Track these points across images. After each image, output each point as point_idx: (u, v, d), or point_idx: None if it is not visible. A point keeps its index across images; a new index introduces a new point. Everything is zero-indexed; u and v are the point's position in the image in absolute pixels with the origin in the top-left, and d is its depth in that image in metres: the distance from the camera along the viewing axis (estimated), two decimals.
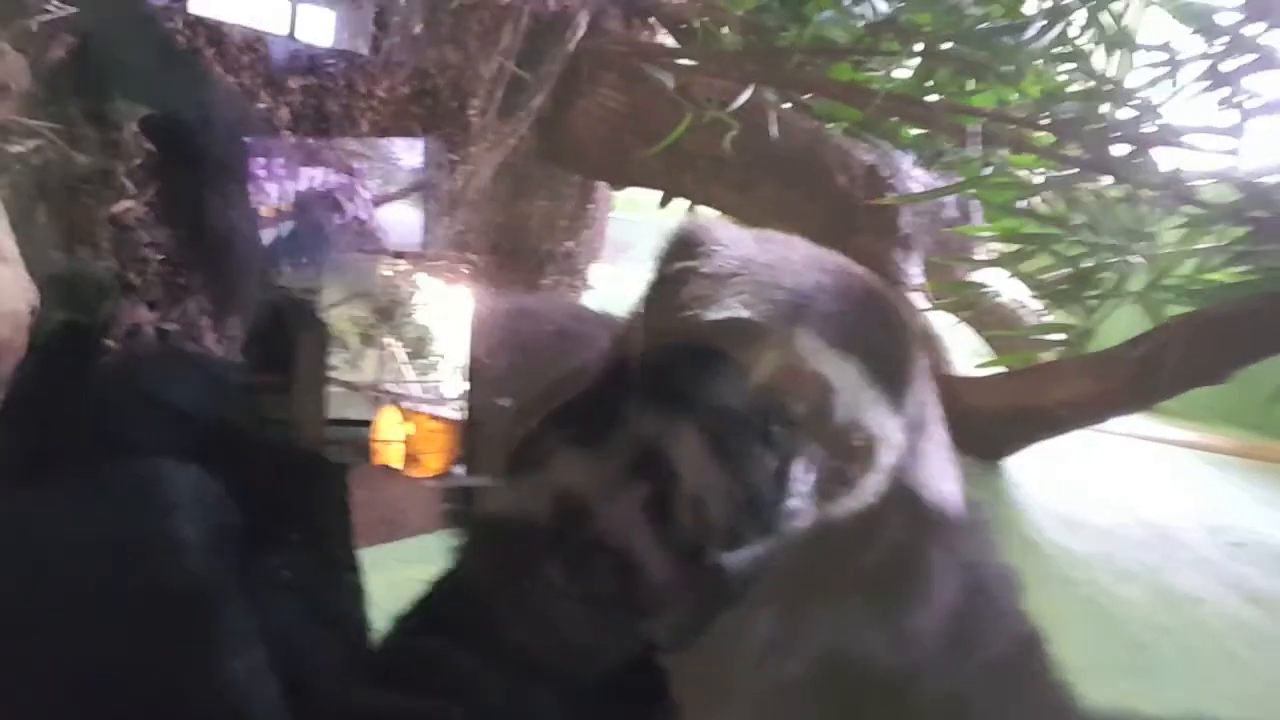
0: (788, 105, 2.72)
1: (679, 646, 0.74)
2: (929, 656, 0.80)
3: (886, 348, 0.78)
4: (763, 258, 0.79)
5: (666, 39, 2.77)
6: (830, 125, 2.73)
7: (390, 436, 2.10)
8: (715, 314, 0.74)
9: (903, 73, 2.60)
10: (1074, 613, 1.82)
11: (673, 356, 0.77)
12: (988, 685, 0.83)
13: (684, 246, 0.80)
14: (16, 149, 0.75)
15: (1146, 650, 1.71)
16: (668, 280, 0.79)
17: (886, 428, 0.76)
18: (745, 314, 0.74)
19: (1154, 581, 2.08)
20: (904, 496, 0.79)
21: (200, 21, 1.02)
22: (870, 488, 0.78)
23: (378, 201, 1.83)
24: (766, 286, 0.76)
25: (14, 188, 0.75)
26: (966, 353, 2.81)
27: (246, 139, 0.99)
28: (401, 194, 1.92)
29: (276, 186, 1.54)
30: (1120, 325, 2.44)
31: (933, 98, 2.49)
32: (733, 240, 0.81)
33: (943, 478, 0.82)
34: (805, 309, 0.75)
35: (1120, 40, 2.28)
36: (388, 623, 0.76)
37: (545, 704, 0.68)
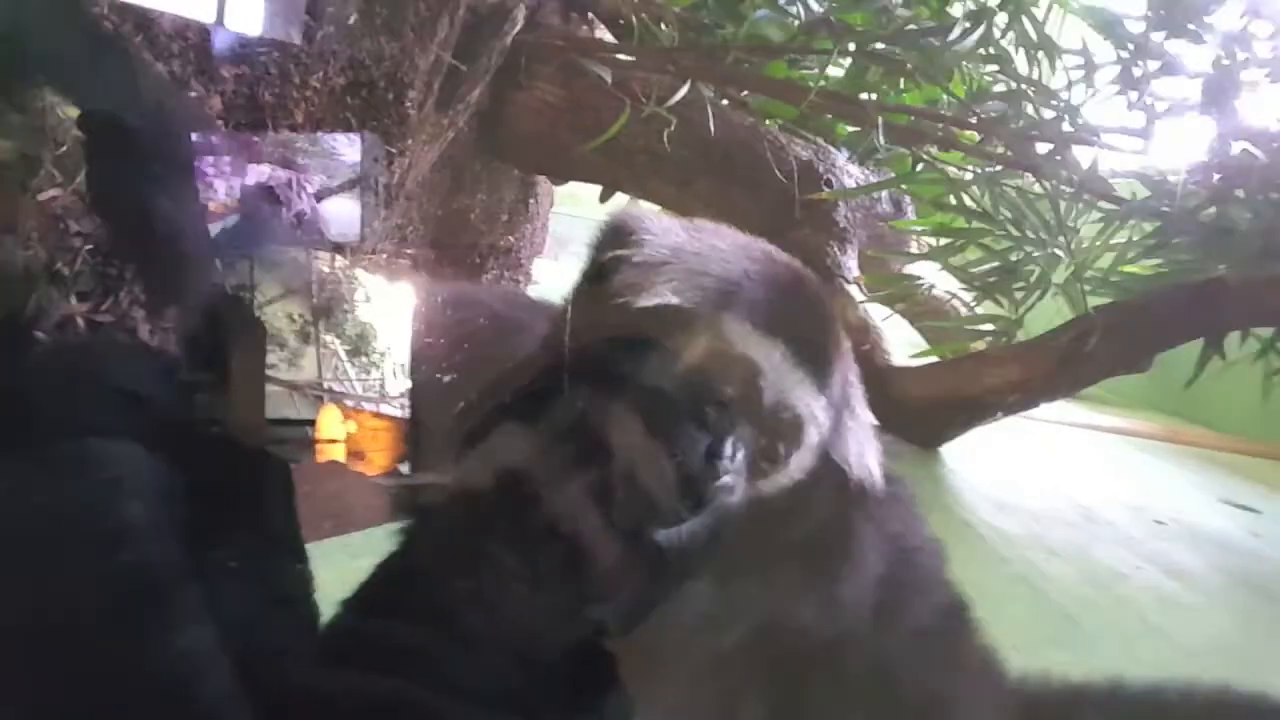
0: (725, 101, 2.75)
1: (625, 627, 0.76)
2: (858, 624, 0.84)
3: (810, 331, 0.81)
4: (692, 246, 0.81)
5: (604, 34, 2.78)
6: (767, 121, 2.77)
7: (332, 435, 2.06)
8: (646, 300, 0.76)
9: (837, 71, 2.66)
10: (1006, 590, 1.89)
11: (606, 342, 0.78)
12: (914, 653, 0.87)
13: (616, 235, 0.82)
14: None
15: (1074, 623, 1.79)
16: (600, 268, 0.81)
17: (812, 407, 0.79)
18: (675, 300, 0.76)
19: (1081, 559, 2.18)
20: (830, 472, 0.83)
21: (127, 7, 0.99)
22: (798, 464, 0.81)
23: (318, 195, 1.79)
24: (695, 274, 0.78)
25: None
26: (902, 344, 2.88)
27: (179, 130, 0.97)
28: (340, 188, 1.89)
29: (214, 180, 1.50)
30: (1045, 316, 2.54)
31: (866, 96, 2.55)
32: (663, 230, 0.83)
33: (866, 454, 0.85)
34: (733, 295, 0.78)
35: (1041, 44, 2.38)
36: (335, 608, 0.75)
37: (491, 683, 0.69)
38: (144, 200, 0.87)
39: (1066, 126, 2.40)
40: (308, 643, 0.71)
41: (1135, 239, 2.47)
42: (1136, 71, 2.28)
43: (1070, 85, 2.40)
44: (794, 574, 0.84)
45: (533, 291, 3.06)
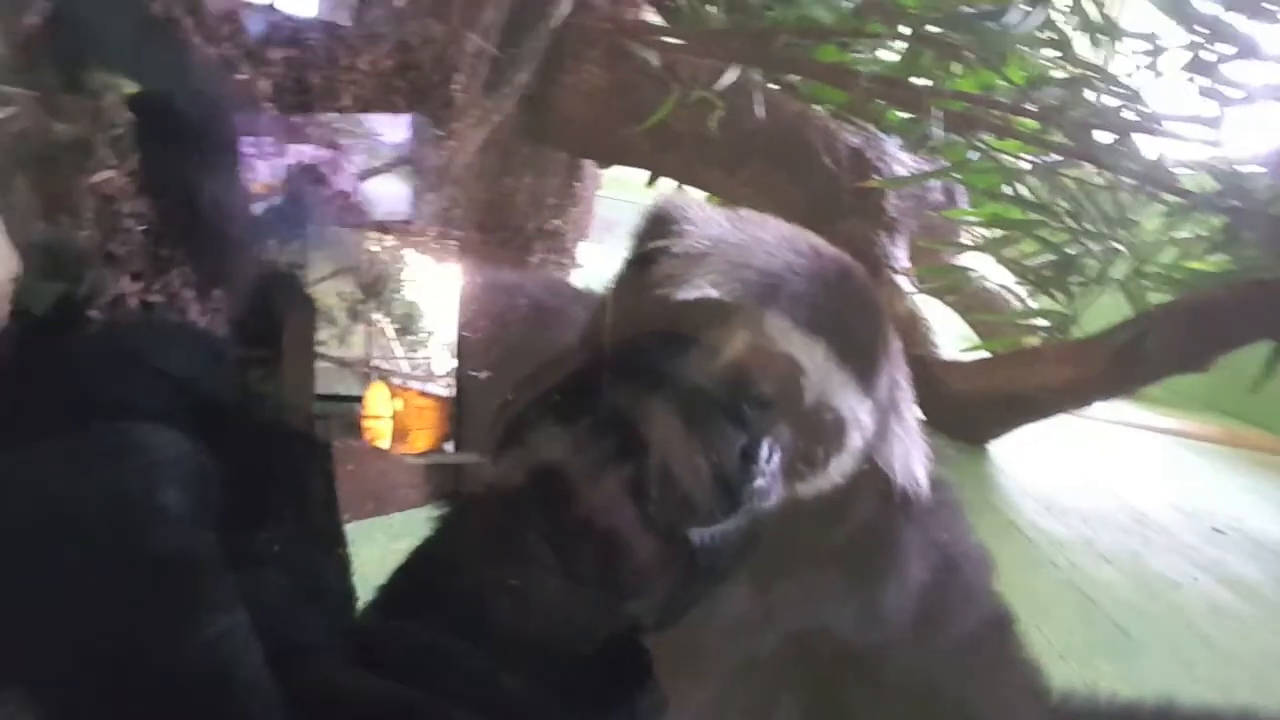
0: (774, 86, 2.71)
1: (660, 624, 0.75)
2: (898, 633, 0.81)
3: (857, 330, 0.78)
4: (735, 238, 0.79)
5: (653, 17, 2.74)
6: (816, 107, 2.72)
7: (379, 412, 2.09)
8: (685, 293, 0.74)
9: (889, 55, 2.59)
10: (1054, 596, 1.84)
11: (645, 334, 0.77)
12: (956, 663, 0.85)
13: (657, 225, 0.80)
14: None
15: (1124, 632, 1.74)
16: (641, 259, 0.79)
17: (856, 410, 0.76)
18: (714, 293, 0.74)
19: (1133, 565, 2.12)
20: (874, 477, 0.80)
21: None
22: (839, 468, 0.78)
23: (364, 176, 1.80)
24: (737, 266, 0.76)
25: None
26: (951, 337, 2.82)
27: (228, 112, 0.97)
28: (387, 168, 1.90)
29: (263, 161, 1.52)
30: (1104, 312, 2.47)
31: (918, 81, 2.48)
32: (706, 220, 0.80)
33: (912, 459, 0.82)
34: (776, 289, 0.76)
35: (1104, 28, 2.29)
36: (371, 596, 0.76)
37: (524, 677, 0.68)
38: (192, 182, 0.88)
39: (1130, 114, 2.31)
40: (342, 633, 0.71)
41: (1202, 234, 2.37)
42: (1208, 56, 2.18)
43: (1135, 71, 2.31)
44: (834, 580, 0.82)
45: (578, 275, 3.07)
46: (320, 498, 0.84)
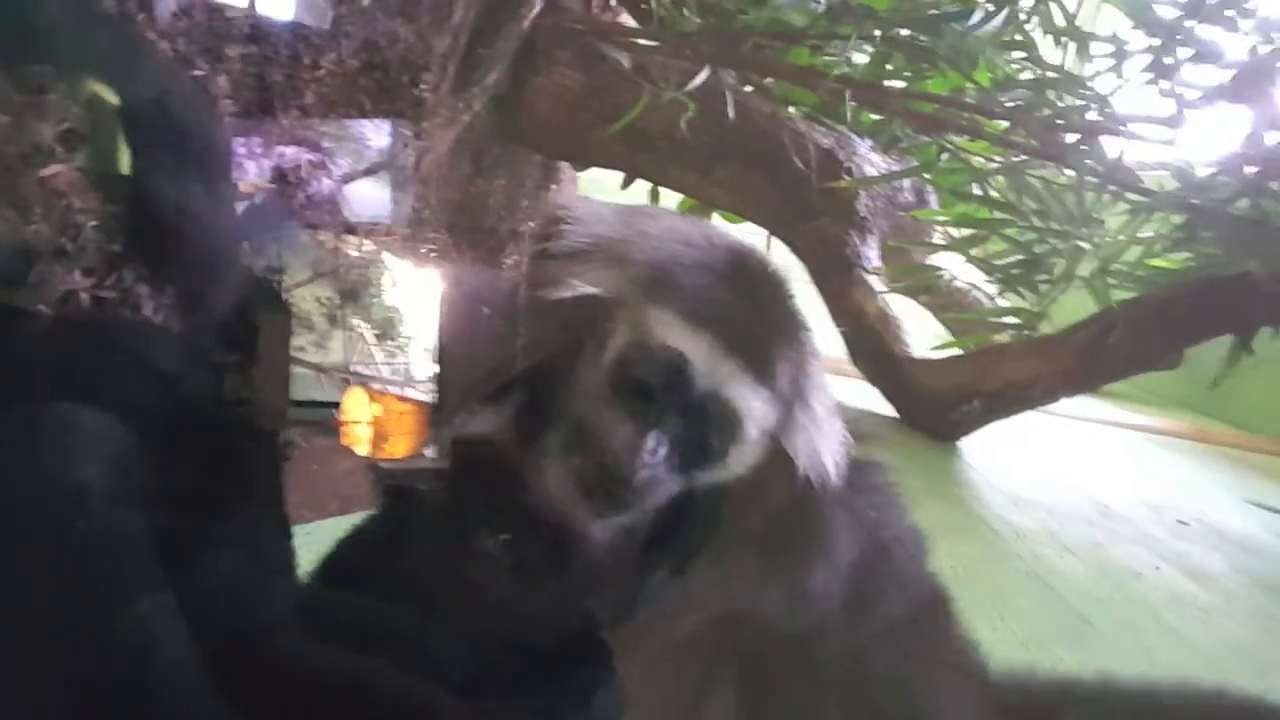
0: (746, 88, 2.73)
1: (557, 608, 0.76)
2: (828, 615, 0.82)
3: (748, 320, 0.78)
4: (618, 233, 0.80)
5: (626, 18, 2.76)
6: (789, 109, 2.74)
7: (358, 418, 2.09)
8: (561, 292, 0.74)
9: (860, 58, 2.62)
10: (1018, 585, 1.87)
11: (535, 336, 0.77)
12: (889, 644, 0.86)
13: (543, 229, 0.82)
14: None
15: (1086, 621, 1.76)
16: (531, 264, 0.80)
17: (750, 399, 0.76)
18: (592, 290, 0.74)
19: (1097, 556, 2.15)
20: (782, 465, 0.80)
21: None
22: (739, 458, 0.79)
23: (343, 179, 1.80)
24: (618, 261, 0.77)
25: None
26: (925, 335, 2.85)
27: (185, 111, 0.98)
28: (359, 170, 1.90)
29: (237, 164, 1.52)
30: (1071, 309, 2.50)
31: (889, 83, 2.51)
32: (590, 217, 0.81)
33: (821, 448, 0.81)
34: (658, 282, 0.76)
35: (1069, 31, 2.32)
36: (318, 576, 0.77)
37: (449, 655, 0.69)
38: (150, 183, 0.88)
39: (1094, 116, 2.35)
40: (283, 616, 0.72)
41: (1163, 232, 2.41)
42: (1168, 59, 2.22)
43: (1099, 74, 2.34)
44: (753, 564, 0.82)
45: None
46: (263, 482, 0.84)
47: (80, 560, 0.59)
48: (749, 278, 0.81)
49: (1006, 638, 1.58)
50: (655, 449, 0.73)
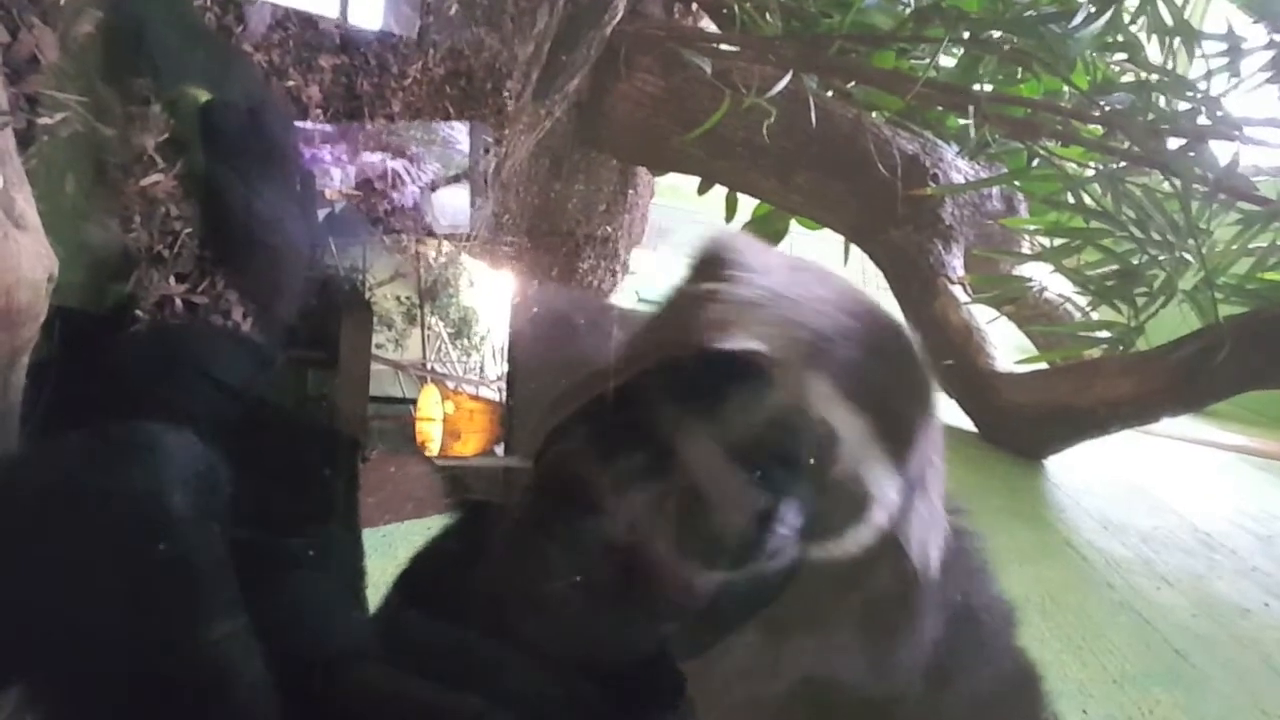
0: (829, 93, 2.68)
1: (675, 654, 0.75)
2: (908, 685, 0.79)
3: (901, 406, 0.76)
4: (791, 291, 0.77)
5: (707, 23, 2.74)
6: (872, 114, 2.68)
7: (431, 415, 2.13)
8: (732, 343, 0.72)
9: (948, 61, 2.54)
10: (1108, 617, 1.77)
11: (687, 376, 0.76)
12: (969, 717, 0.82)
13: (713, 265, 0.78)
14: (44, 121, 0.77)
15: (1185, 660, 1.66)
16: (692, 297, 0.77)
17: (884, 486, 0.75)
18: (762, 348, 0.72)
19: (1197, 589, 2.02)
20: (891, 550, 0.77)
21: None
22: (856, 539, 0.76)
23: (426, 185, 1.84)
24: (790, 323, 0.74)
25: (43, 159, 0.76)
26: (1009, 348, 2.74)
27: (275, 119, 1.00)
28: (442, 176, 1.94)
29: (323, 167, 1.56)
30: (1170, 325, 2.37)
31: (978, 87, 2.43)
32: (764, 266, 0.78)
33: (929, 539, 0.79)
34: (825, 353, 0.73)
35: (1178, 29, 2.20)
36: (393, 598, 0.77)
37: (541, 693, 0.68)
38: (238, 187, 0.91)
39: (1204, 119, 2.22)
40: (356, 634, 0.73)
41: (1278, 243, 2.26)
42: None
43: (1210, 74, 2.22)
44: (847, 636, 0.80)
45: (630, 281, 3.07)
46: (349, 501, 0.85)
47: (159, 584, 0.60)
48: (903, 360, 0.78)
49: (1096, 674, 1.49)
50: (786, 519, 0.71)
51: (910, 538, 0.77)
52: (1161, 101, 2.26)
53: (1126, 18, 2.16)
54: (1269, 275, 2.28)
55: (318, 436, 0.91)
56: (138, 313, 0.86)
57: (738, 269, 0.77)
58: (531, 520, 0.74)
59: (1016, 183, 2.64)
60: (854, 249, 2.79)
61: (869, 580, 0.78)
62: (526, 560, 0.72)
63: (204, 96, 0.90)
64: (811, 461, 0.72)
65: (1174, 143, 2.20)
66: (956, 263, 2.67)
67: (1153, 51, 2.25)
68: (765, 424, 0.72)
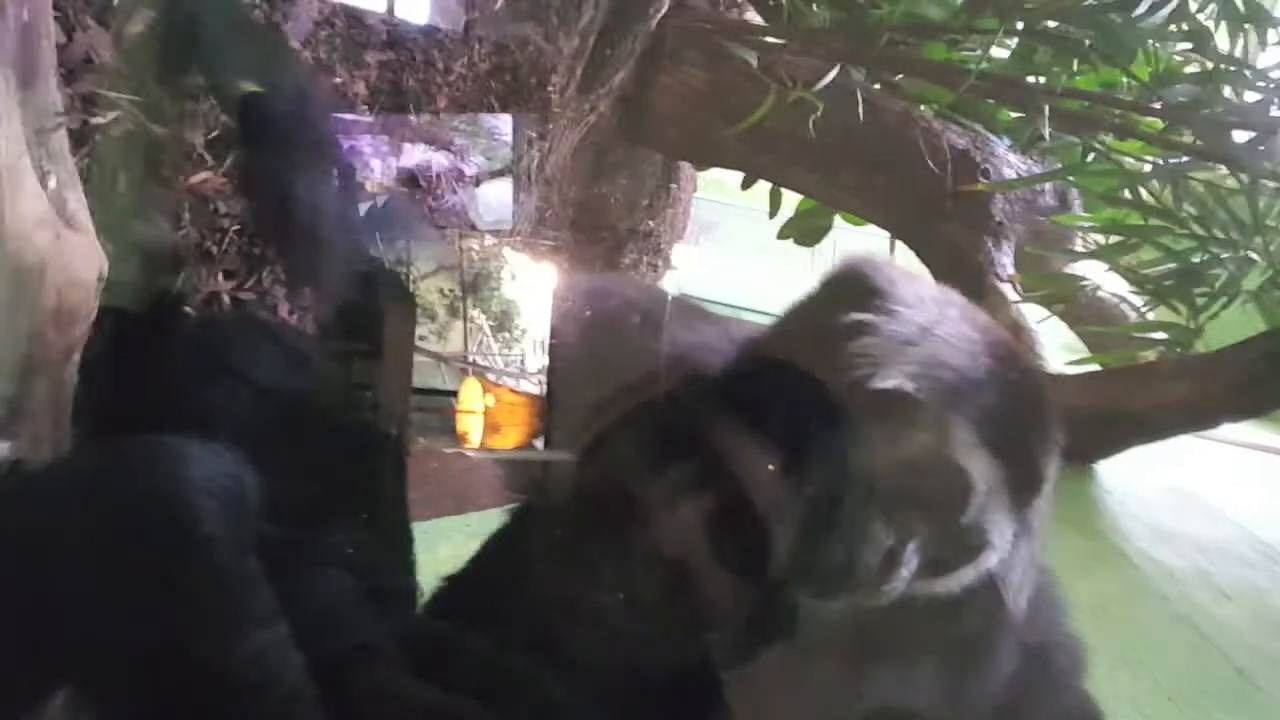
0: (877, 86, 2.63)
1: (721, 667, 0.74)
2: (979, 716, 0.79)
3: (1030, 455, 0.75)
4: (941, 329, 0.76)
5: (753, 16, 2.71)
6: (921, 107, 2.62)
7: (472, 407, 2.14)
8: (882, 382, 0.71)
9: (1001, 52, 2.48)
10: (1164, 632, 1.71)
11: (824, 405, 0.73)
12: None
13: (863, 295, 0.76)
14: (97, 120, 0.78)
15: (1247, 679, 1.59)
16: (836, 326, 0.75)
17: (1002, 534, 0.74)
18: (911, 390, 0.71)
19: (1258, 603, 1.94)
20: (989, 592, 0.77)
21: None
22: (961, 579, 0.76)
23: (469, 179, 1.85)
24: (938, 365, 0.73)
25: (95, 158, 0.78)
26: (1059, 348, 2.67)
27: (325, 113, 1.01)
28: (490, 173, 1.95)
29: (368, 161, 1.58)
30: (1231, 327, 2.28)
31: (1032, 79, 2.36)
32: (915, 300, 0.77)
33: (1025, 584, 0.79)
34: (969, 398, 0.72)
35: (1250, 15, 2.11)
36: (434, 595, 0.77)
37: (577, 701, 0.68)
38: (288, 182, 0.91)
39: (1275, 111, 2.13)
40: (403, 635, 0.73)
41: None
42: None
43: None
44: (928, 671, 0.80)
45: (672, 276, 3.06)
46: (395, 497, 0.85)
47: (190, 601, 0.61)
48: (1038, 408, 0.78)
49: (1150, 690, 1.44)
50: (910, 560, 0.71)
51: (1010, 581, 0.76)
52: (1228, 93, 2.17)
53: (1194, 5, 2.08)
54: None
55: (364, 429, 0.92)
56: (187, 309, 0.87)
57: (887, 300, 0.76)
58: (580, 529, 0.74)
59: (1071, 178, 2.56)
60: (899, 245, 2.74)
61: (961, 618, 0.77)
62: (571, 571, 0.72)
63: (252, 88, 0.91)
64: (944, 508, 0.71)
65: (1241, 136, 2.11)
66: (1007, 260, 2.60)
67: (1221, 40, 2.16)
68: (905, 466, 0.71)
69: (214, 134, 0.89)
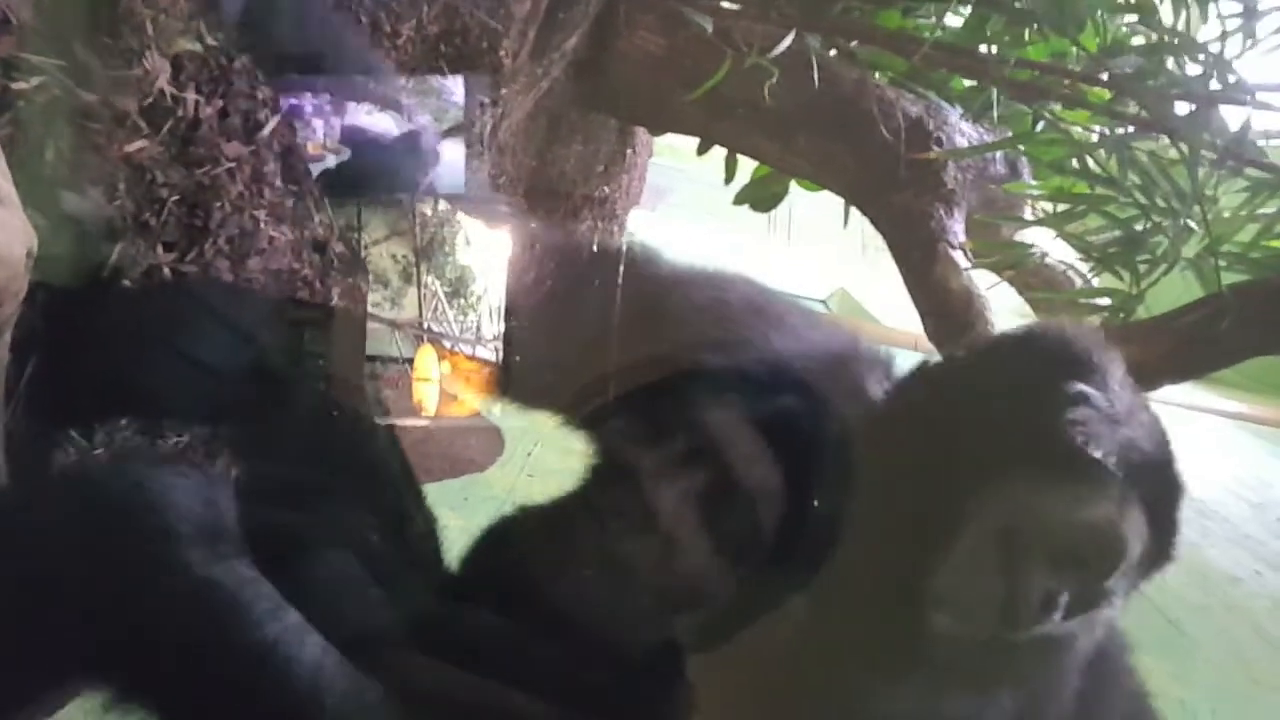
0: (833, 53, 2.62)
1: (699, 643, 0.77)
2: None
3: (1171, 537, 0.87)
4: (1139, 412, 0.86)
5: None
6: (876, 75, 2.63)
7: (427, 375, 2.11)
8: (1094, 453, 0.79)
9: (956, 21, 2.49)
10: None
11: (1025, 457, 0.81)
12: None
13: (1076, 365, 0.85)
14: (19, 86, 0.74)
15: (1178, 629, 1.67)
16: (1057, 392, 0.82)
17: (1122, 596, 0.85)
18: (1112, 462, 0.80)
19: (1191, 558, 2.03)
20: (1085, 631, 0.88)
21: None
22: (1072, 626, 0.85)
23: (422, 144, 1.81)
24: (1134, 446, 0.82)
25: (18, 126, 0.74)
26: (1008, 313, 2.73)
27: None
28: (440, 135, 1.90)
29: (321, 123, 1.53)
30: (1174, 293, 2.34)
31: (985, 48, 2.38)
32: (1121, 379, 0.87)
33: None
34: (1147, 480, 0.83)
35: None
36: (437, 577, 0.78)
37: (572, 677, 0.69)
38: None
39: (1215, 84, 2.17)
40: (410, 615, 0.73)
41: None
42: None
43: (1225, 36, 2.16)
44: (1005, 699, 0.88)
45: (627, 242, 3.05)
46: (376, 473, 0.85)
47: (187, 620, 0.61)
48: (1181, 493, 0.89)
49: None
50: (1061, 606, 0.80)
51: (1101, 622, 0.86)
52: (1172, 64, 2.21)
53: None
54: (1274, 243, 2.25)
55: (321, 401, 0.90)
56: (124, 284, 0.84)
57: (1102, 376, 0.86)
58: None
59: (1020, 147, 2.60)
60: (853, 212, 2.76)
61: (1051, 655, 0.84)
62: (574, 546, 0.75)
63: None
64: (1097, 568, 0.81)
65: (1184, 107, 2.16)
66: (958, 228, 2.64)
67: (1166, 13, 2.19)
68: (1081, 526, 0.80)
69: (149, 100, 0.86)
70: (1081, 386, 0.82)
